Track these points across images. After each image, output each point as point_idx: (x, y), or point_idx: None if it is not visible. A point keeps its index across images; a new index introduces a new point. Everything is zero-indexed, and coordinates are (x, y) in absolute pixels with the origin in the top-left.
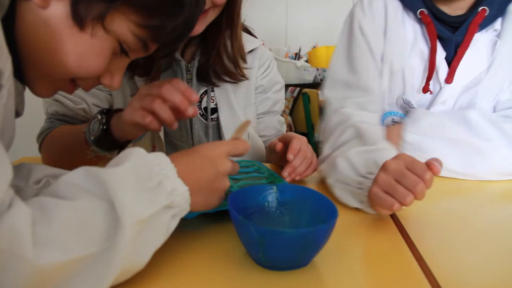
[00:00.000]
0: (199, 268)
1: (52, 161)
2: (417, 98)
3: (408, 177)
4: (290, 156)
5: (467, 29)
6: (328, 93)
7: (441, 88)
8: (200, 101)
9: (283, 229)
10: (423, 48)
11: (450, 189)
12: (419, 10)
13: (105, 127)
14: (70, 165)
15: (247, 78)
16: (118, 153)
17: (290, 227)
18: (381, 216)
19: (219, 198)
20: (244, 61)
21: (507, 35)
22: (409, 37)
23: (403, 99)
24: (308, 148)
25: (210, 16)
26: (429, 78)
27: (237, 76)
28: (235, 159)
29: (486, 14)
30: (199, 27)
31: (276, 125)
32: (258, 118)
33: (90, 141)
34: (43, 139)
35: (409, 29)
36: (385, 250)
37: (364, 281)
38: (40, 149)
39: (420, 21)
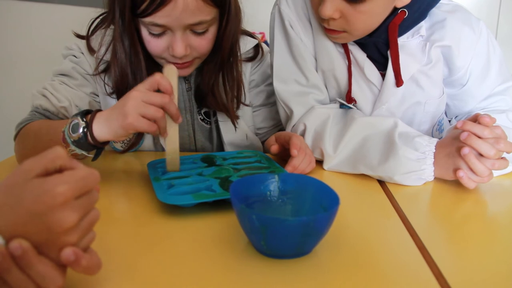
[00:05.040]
0: (201, 257)
1: (24, 153)
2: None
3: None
4: (294, 151)
5: (387, 30)
6: (281, 87)
7: (379, 90)
8: (200, 106)
9: (285, 217)
10: (340, 49)
11: (452, 181)
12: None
13: (86, 129)
14: None
15: (235, 126)
16: (96, 153)
17: (292, 216)
18: (384, 205)
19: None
20: (239, 105)
21: (435, 40)
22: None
23: (338, 102)
24: (306, 146)
25: (197, 63)
26: (349, 82)
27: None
28: (234, 148)
29: (405, 16)
30: (187, 71)
31: (274, 115)
32: (254, 112)
33: (69, 142)
34: (20, 129)
35: None
36: (387, 239)
37: (366, 270)
38: (15, 138)
39: None
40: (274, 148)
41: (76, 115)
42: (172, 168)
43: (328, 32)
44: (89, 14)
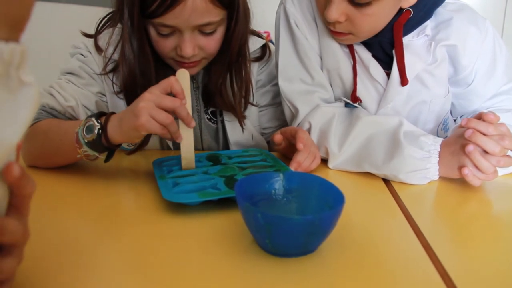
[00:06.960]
0: (205, 255)
1: (31, 152)
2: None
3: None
4: (300, 145)
5: (392, 30)
6: (286, 86)
7: (384, 89)
8: (207, 106)
9: (290, 216)
10: (345, 49)
11: (457, 180)
12: None
13: (100, 131)
14: (51, 158)
15: (243, 127)
16: (108, 155)
17: (297, 214)
18: (389, 204)
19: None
20: (246, 105)
21: (440, 39)
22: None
23: (344, 101)
24: (311, 142)
25: (204, 63)
26: (354, 81)
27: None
28: (241, 148)
29: (410, 15)
30: (193, 71)
31: (280, 115)
32: (260, 112)
33: (83, 143)
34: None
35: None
36: (392, 238)
37: (371, 269)
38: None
39: None
40: (278, 137)
41: (90, 116)
42: (188, 168)
43: (334, 34)
44: (93, 13)
